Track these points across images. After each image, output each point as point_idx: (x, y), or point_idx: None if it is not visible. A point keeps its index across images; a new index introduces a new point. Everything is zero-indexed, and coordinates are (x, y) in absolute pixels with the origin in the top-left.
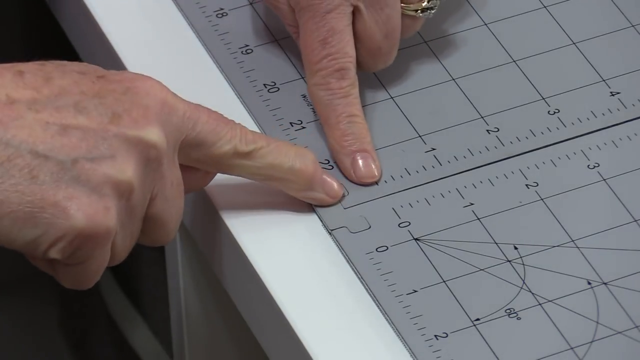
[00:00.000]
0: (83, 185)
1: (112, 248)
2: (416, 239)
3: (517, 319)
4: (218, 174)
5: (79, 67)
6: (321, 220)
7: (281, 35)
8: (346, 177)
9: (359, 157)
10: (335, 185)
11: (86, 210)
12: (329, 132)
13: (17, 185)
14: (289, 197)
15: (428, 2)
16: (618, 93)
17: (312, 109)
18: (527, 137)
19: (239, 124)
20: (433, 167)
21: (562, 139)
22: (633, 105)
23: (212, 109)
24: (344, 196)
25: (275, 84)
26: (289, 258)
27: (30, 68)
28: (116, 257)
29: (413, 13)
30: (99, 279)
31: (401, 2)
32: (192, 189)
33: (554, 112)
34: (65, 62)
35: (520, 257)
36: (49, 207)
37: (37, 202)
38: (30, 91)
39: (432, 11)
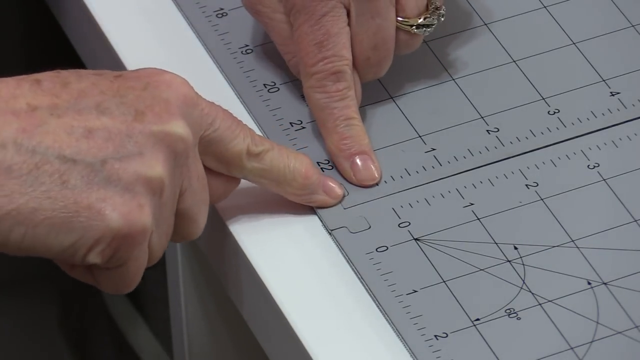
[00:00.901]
0: (115, 185)
1: (149, 247)
2: (416, 239)
3: (517, 319)
4: (242, 181)
5: (95, 71)
6: (321, 221)
7: None
8: (346, 180)
9: (358, 160)
10: (335, 186)
11: (121, 209)
12: (326, 136)
13: (49, 192)
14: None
15: (424, 19)
16: (618, 93)
17: None
18: (527, 137)
19: (247, 125)
20: (433, 167)
21: (562, 139)
22: (633, 105)
23: None
24: (344, 196)
25: (275, 84)
26: (289, 258)
27: (47, 76)
28: (153, 256)
29: (408, 28)
30: (139, 281)
31: (398, 16)
32: (217, 197)
33: (554, 112)
34: (80, 70)
35: (520, 257)
36: (83, 210)
37: (70, 206)
38: (49, 97)
39: (429, 29)
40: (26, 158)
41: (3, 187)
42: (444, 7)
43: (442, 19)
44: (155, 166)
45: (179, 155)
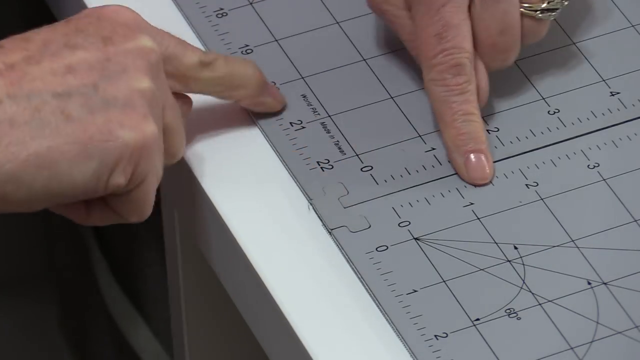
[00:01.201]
0: (114, 104)
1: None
2: (416, 239)
3: (517, 319)
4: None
5: (48, 25)
6: (321, 220)
7: (281, 35)
8: (458, 175)
9: (472, 157)
10: (278, 90)
11: (129, 124)
12: (444, 130)
13: (58, 128)
14: (289, 198)
15: (548, 3)
16: (618, 93)
17: (312, 109)
18: (527, 137)
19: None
20: (433, 166)
21: (562, 139)
22: (633, 105)
23: (212, 108)
24: (285, 106)
25: (275, 84)
26: (288, 258)
27: (4, 41)
28: (168, 159)
29: (532, 13)
30: (153, 204)
31: (521, 2)
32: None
33: (554, 112)
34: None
35: (520, 257)
36: (93, 135)
37: (80, 137)
38: (19, 52)
39: (553, 13)
40: (25, 105)
41: (13, 137)
42: None
43: (567, 3)
44: (142, 78)
45: (154, 66)
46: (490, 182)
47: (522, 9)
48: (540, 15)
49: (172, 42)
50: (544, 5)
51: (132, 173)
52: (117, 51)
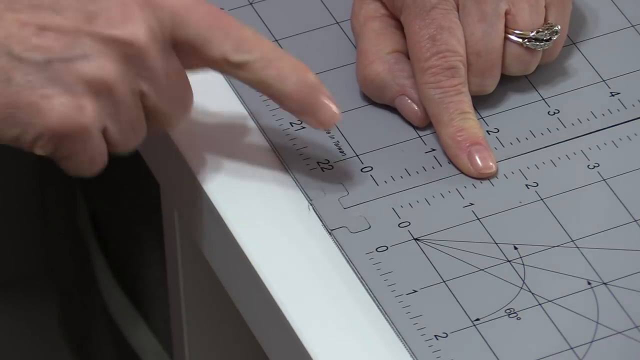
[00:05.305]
0: (57, 85)
1: (110, 139)
2: (416, 239)
3: (517, 319)
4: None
5: None
6: (321, 220)
7: (281, 35)
8: (464, 173)
9: (474, 151)
10: (331, 109)
11: (59, 109)
12: (442, 130)
13: None
14: (289, 198)
15: (537, 32)
16: (618, 93)
17: None
18: (527, 138)
19: (243, 27)
20: (433, 167)
21: (562, 140)
22: (633, 105)
23: (211, 107)
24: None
25: None
26: (288, 258)
27: None
28: (121, 147)
29: (518, 40)
30: (103, 166)
31: (511, 28)
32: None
33: (554, 113)
34: None
35: (520, 257)
36: (24, 107)
37: (13, 103)
38: None
39: (541, 44)
40: None
41: None
42: (559, 26)
43: (556, 37)
44: (99, 68)
45: (130, 58)
46: (490, 182)
47: (511, 35)
48: (528, 43)
49: (193, 30)
50: (532, 34)
51: (53, 150)
52: (90, 33)
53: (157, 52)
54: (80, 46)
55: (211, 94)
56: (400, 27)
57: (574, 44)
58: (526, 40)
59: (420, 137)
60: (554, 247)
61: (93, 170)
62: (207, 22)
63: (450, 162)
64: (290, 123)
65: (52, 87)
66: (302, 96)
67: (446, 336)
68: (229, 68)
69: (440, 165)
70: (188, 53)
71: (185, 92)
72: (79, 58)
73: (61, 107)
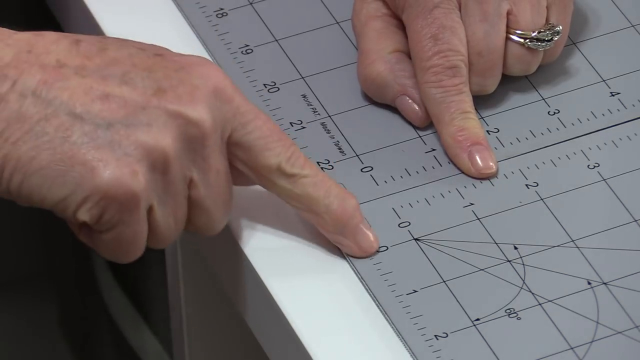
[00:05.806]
0: (114, 149)
1: (152, 223)
2: (416, 239)
3: (517, 319)
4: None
5: (141, 45)
6: None
7: (281, 35)
8: (464, 172)
9: (475, 151)
10: (369, 237)
11: (113, 171)
12: (443, 129)
13: (50, 143)
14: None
15: (538, 33)
16: (618, 93)
17: (312, 109)
18: (527, 138)
19: (295, 144)
20: (433, 167)
21: (562, 140)
22: (633, 105)
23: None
24: (377, 251)
25: (275, 84)
26: (288, 258)
27: (89, 39)
28: (160, 236)
29: (519, 40)
30: (139, 254)
31: (512, 28)
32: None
33: (554, 113)
34: (128, 40)
35: (520, 257)
36: (77, 165)
37: (67, 160)
38: (81, 59)
39: (542, 44)
40: (40, 109)
41: (12, 134)
42: (560, 26)
43: (557, 38)
44: (161, 140)
45: (191, 139)
46: (490, 182)
47: (513, 36)
48: (529, 44)
49: (258, 132)
50: (534, 34)
51: (98, 216)
52: (158, 105)
53: (215, 144)
54: (145, 115)
55: None
56: (401, 26)
57: (574, 44)
58: (528, 40)
59: (420, 137)
60: (554, 247)
61: (129, 254)
62: (268, 129)
63: (451, 162)
64: (290, 123)
65: (109, 149)
66: (345, 219)
67: (446, 336)
68: (278, 178)
69: (441, 165)
70: (237, 156)
71: (229, 196)
72: (142, 125)
73: (116, 169)
